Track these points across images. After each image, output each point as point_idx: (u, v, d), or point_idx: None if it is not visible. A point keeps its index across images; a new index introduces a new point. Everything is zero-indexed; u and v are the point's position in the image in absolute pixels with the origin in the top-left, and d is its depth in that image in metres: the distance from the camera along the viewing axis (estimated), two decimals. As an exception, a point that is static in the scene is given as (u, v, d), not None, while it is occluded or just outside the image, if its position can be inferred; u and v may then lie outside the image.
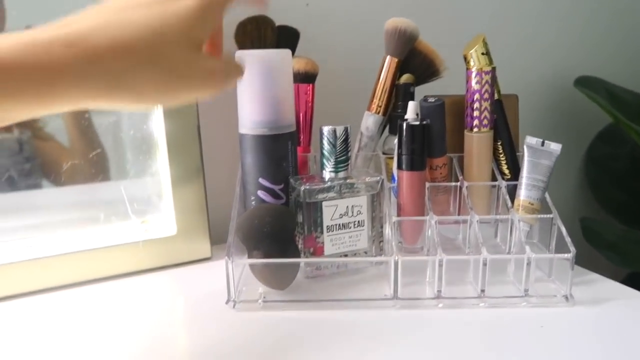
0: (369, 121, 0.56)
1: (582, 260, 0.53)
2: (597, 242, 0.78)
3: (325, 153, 0.49)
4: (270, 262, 0.45)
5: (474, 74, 0.50)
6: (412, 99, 0.54)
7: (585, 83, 0.83)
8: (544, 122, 0.87)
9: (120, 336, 0.41)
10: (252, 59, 0.48)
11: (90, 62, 0.28)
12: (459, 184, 0.51)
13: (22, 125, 0.50)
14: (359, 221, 0.50)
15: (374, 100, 0.56)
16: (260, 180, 0.50)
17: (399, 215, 0.50)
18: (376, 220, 0.51)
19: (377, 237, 0.52)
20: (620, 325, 0.42)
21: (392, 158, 0.54)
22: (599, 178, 0.93)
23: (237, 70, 0.37)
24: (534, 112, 0.85)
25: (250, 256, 0.46)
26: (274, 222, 0.47)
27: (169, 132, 0.53)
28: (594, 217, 0.91)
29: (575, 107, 0.89)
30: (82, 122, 0.53)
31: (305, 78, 0.56)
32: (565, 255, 0.45)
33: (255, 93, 0.49)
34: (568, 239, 0.46)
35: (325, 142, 0.49)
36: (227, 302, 0.45)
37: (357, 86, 0.60)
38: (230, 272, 0.45)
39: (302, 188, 0.48)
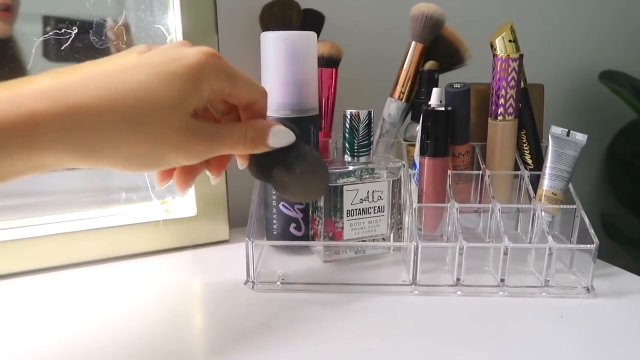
0: (392, 108, 0.56)
1: (603, 256, 0.52)
2: (618, 237, 0.77)
3: (348, 137, 0.49)
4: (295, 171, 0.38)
5: (501, 61, 0.49)
6: (436, 86, 0.53)
7: (610, 77, 0.82)
8: (567, 116, 0.86)
9: (140, 314, 0.42)
10: (277, 41, 0.48)
11: (74, 120, 0.28)
12: (481, 172, 0.51)
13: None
14: (379, 207, 0.50)
15: (398, 87, 0.56)
16: (282, 163, 0.50)
17: (419, 202, 0.50)
18: (396, 207, 0.51)
19: (397, 224, 0.51)
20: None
21: (413, 145, 0.54)
22: (620, 175, 0.92)
23: (258, 139, 0.36)
24: (557, 105, 0.84)
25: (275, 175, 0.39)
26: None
27: (191, 113, 0.53)
28: (617, 213, 0.90)
29: (598, 102, 0.88)
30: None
31: (329, 63, 0.56)
32: (588, 246, 0.44)
33: (280, 75, 0.49)
34: (591, 231, 0.45)
35: (348, 126, 0.49)
36: (246, 283, 0.46)
37: (380, 72, 0.60)
38: (251, 252, 0.45)
39: (324, 172, 0.48)
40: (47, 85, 0.28)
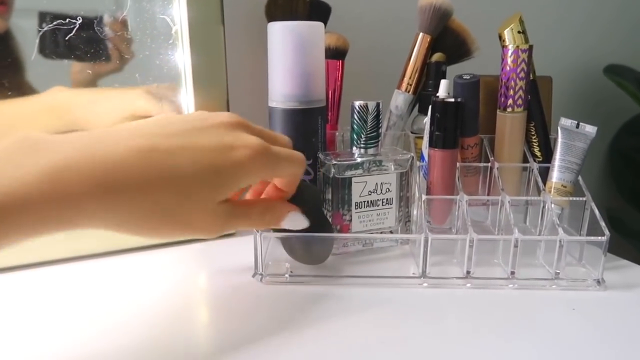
0: (399, 100, 0.55)
1: (610, 250, 0.52)
2: (624, 231, 0.77)
3: (356, 128, 0.48)
4: (302, 236, 0.45)
5: (510, 52, 0.49)
6: (444, 78, 0.53)
7: (615, 71, 0.82)
8: (571, 109, 0.85)
9: (146, 307, 0.41)
10: (284, 31, 0.48)
11: (114, 203, 0.28)
12: (489, 164, 0.51)
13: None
14: (387, 199, 0.49)
15: (405, 79, 0.55)
16: (289, 155, 0.50)
17: (428, 194, 0.49)
18: (404, 200, 0.50)
19: (404, 217, 0.51)
20: (654, 310, 0.41)
21: (421, 137, 0.53)
22: (622, 169, 0.92)
23: (274, 222, 0.39)
24: (561, 98, 0.84)
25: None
26: (308, 198, 0.46)
27: (198, 105, 0.52)
28: (622, 207, 0.90)
29: (602, 96, 0.88)
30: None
31: (335, 54, 0.55)
32: (599, 238, 0.44)
33: (287, 66, 0.48)
34: (602, 222, 0.45)
35: (356, 117, 0.48)
36: (254, 276, 0.45)
37: (386, 64, 0.59)
38: (259, 245, 0.45)
39: (333, 163, 0.47)
40: (88, 169, 0.28)
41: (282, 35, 0.48)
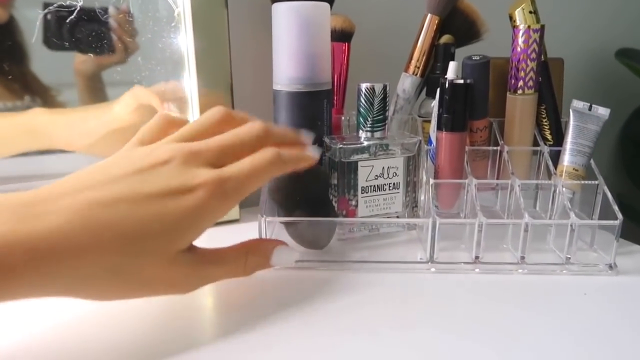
0: (406, 83, 0.54)
1: (621, 236, 0.51)
2: (636, 217, 0.76)
3: (362, 111, 0.47)
4: (306, 220, 0.44)
5: (521, 32, 0.48)
6: (453, 60, 0.52)
7: (627, 54, 0.80)
8: (582, 94, 0.84)
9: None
10: (289, 12, 0.47)
11: (50, 270, 0.26)
12: (499, 148, 0.49)
13: (34, 92, 0.49)
14: (394, 183, 0.48)
15: (412, 61, 0.54)
16: (294, 139, 0.49)
17: (436, 178, 0.48)
18: (411, 185, 0.50)
19: (411, 202, 0.50)
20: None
21: (428, 121, 0.52)
22: (633, 155, 0.90)
23: (260, 265, 0.36)
24: (572, 82, 0.82)
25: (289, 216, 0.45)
26: (312, 182, 0.45)
27: (201, 89, 0.51)
28: (633, 193, 0.88)
29: (613, 81, 0.86)
30: (97, 93, 0.52)
31: (341, 36, 0.54)
32: (612, 222, 0.43)
33: (292, 47, 0.47)
34: (615, 206, 0.44)
35: (362, 99, 0.47)
36: (260, 260, 0.45)
37: (393, 47, 0.58)
38: (264, 229, 0.44)
39: (339, 147, 0.46)
40: (18, 241, 0.25)
41: (287, 17, 0.47)
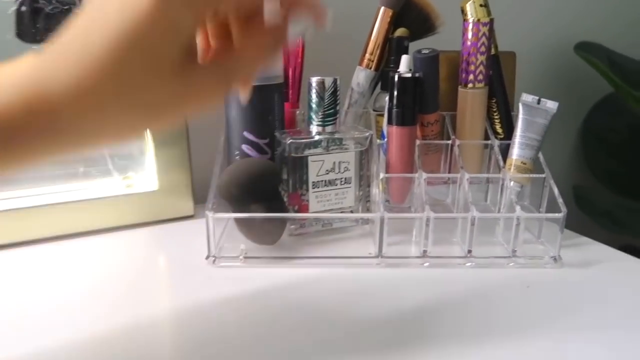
0: (360, 76, 0.54)
1: (574, 228, 0.52)
2: (590, 209, 0.77)
3: (313, 106, 0.47)
4: (254, 217, 0.44)
5: (470, 26, 0.48)
6: (406, 54, 0.51)
7: (586, 48, 0.81)
8: (543, 88, 0.85)
9: (99, 290, 0.40)
10: (237, 4, 0.46)
11: (52, 121, 0.23)
12: (450, 142, 0.50)
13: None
14: (345, 178, 0.48)
15: (366, 55, 0.54)
16: (245, 133, 0.48)
17: (387, 172, 0.48)
18: (364, 179, 0.49)
19: (364, 196, 0.50)
20: (607, 287, 0.41)
21: (382, 115, 0.52)
22: (594, 148, 0.92)
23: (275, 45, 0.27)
24: (533, 77, 0.83)
25: (238, 212, 0.45)
26: (260, 176, 0.45)
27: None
28: (588, 185, 0.90)
29: (575, 75, 0.87)
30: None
31: (294, 29, 0.53)
32: (556, 215, 0.43)
33: (240, 41, 0.46)
34: (560, 200, 0.44)
35: (313, 94, 0.47)
36: (207, 258, 0.44)
37: (352, 40, 0.57)
38: (211, 226, 0.43)
39: (288, 141, 0.46)
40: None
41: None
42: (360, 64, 0.54)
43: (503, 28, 0.55)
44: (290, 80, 0.54)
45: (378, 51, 0.53)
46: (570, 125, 0.91)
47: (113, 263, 0.45)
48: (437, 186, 0.55)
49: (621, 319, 0.36)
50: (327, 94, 0.46)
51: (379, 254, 0.44)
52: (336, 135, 0.47)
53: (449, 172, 0.51)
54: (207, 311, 0.37)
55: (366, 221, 0.51)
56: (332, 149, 0.47)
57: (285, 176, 0.47)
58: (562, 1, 0.82)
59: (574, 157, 0.93)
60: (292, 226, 0.48)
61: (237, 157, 0.49)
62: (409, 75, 0.45)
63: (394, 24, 0.54)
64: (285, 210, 0.46)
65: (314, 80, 0.46)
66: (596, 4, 0.85)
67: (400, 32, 0.54)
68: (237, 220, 0.45)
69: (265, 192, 0.44)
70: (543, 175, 0.47)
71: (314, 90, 0.47)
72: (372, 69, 0.53)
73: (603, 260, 0.45)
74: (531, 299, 0.39)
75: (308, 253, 0.45)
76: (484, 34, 0.47)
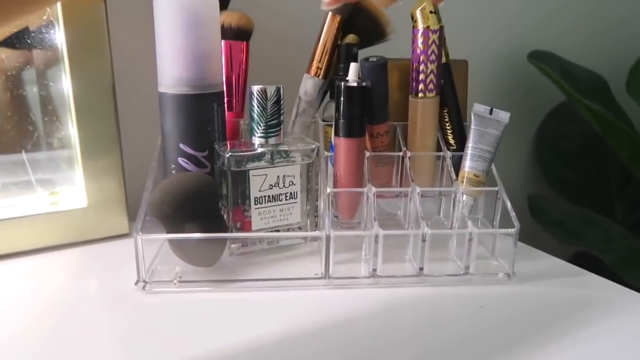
0: (308, 85, 0.51)
1: (531, 239, 0.50)
2: (544, 219, 0.77)
3: (255, 116, 0.44)
4: (187, 238, 0.40)
5: (420, 33, 0.46)
6: (356, 61, 0.49)
7: (539, 57, 0.81)
8: (497, 97, 0.84)
9: (16, 320, 0.36)
10: (172, 5, 0.42)
11: None
12: (401, 154, 0.47)
13: None
14: (291, 193, 0.45)
15: (314, 62, 0.51)
16: (181, 146, 0.45)
17: (335, 186, 0.46)
18: (311, 193, 0.47)
19: (312, 212, 0.47)
20: (560, 303, 0.39)
21: (331, 126, 0.49)
22: (549, 156, 0.92)
23: None
24: (487, 86, 0.83)
25: (173, 232, 0.41)
26: (196, 192, 0.41)
27: (78, 90, 0.46)
28: (542, 195, 0.90)
29: (528, 83, 0.87)
30: None
31: (238, 34, 0.50)
32: (509, 230, 0.42)
33: (176, 45, 0.43)
34: (512, 214, 0.43)
35: (255, 103, 0.44)
36: (136, 283, 0.40)
37: (298, 46, 0.55)
38: (140, 248, 0.39)
39: (227, 155, 0.42)
40: None
41: (169, 11, 0.42)
42: (308, 71, 0.51)
43: (456, 36, 0.54)
44: (235, 88, 0.51)
45: (326, 58, 0.51)
46: (525, 134, 0.91)
47: (26, 291, 0.40)
48: (391, 200, 0.52)
49: (575, 334, 0.35)
50: (269, 104, 0.43)
51: (326, 275, 0.41)
52: (280, 147, 0.44)
53: (400, 185, 0.49)
54: (130, 343, 0.33)
55: (315, 238, 0.48)
56: (278, 162, 0.44)
57: (225, 192, 0.43)
58: (516, 10, 0.82)
59: (530, 166, 0.93)
60: (234, 245, 0.45)
61: (174, 171, 0.45)
62: (355, 84, 0.43)
63: (343, 30, 0.51)
64: (225, 229, 0.43)
65: (255, 88, 0.43)
66: (550, 13, 0.85)
67: (349, 38, 0.51)
68: (170, 241, 0.41)
69: (201, 209, 0.41)
70: (496, 189, 0.45)
71: (255, 100, 0.43)
72: (321, 77, 0.51)
73: (558, 275, 0.44)
74: (484, 319, 0.37)
75: (250, 275, 0.42)
76: (433, 41, 0.45)
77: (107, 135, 0.48)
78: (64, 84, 0.47)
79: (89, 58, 0.46)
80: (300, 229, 0.47)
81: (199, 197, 0.41)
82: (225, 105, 0.50)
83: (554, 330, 0.35)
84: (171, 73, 0.44)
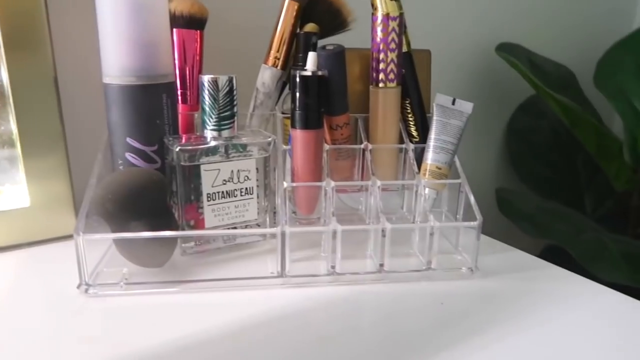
0: (266, 75, 0.49)
1: (499, 233, 0.49)
2: (513, 213, 0.76)
3: (206, 108, 0.42)
4: (133, 237, 0.38)
5: (379, 20, 0.44)
6: (314, 51, 0.47)
7: (507, 49, 0.81)
8: (465, 91, 0.83)
9: None
10: (113, -9, 0.40)
11: None
12: (362, 146, 0.46)
13: None
14: (247, 188, 0.43)
15: (272, 52, 0.49)
16: (129, 140, 0.42)
17: (293, 181, 0.44)
18: (269, 188, 0.45)
19: (271, 207, 0.45)
20: (522, 296, 0.38)
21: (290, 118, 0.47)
22: (519, 150, 0.92)
23: None
24: (454, 78, 0.82)
25: (119, 231, 0.38)
26: (142, 189, 0.39)
27: (15, 82, 0.43)
28: (513, 189, 0.90)
29: (497, 76, 0.87)
30: None
31: (190, 23, 0.48)
32: (471, 223, 0.40)
33: (120, 31, 0.40)
34: (475, 207, 0.41)
35: (206, 94, 0.41)
36: (78, 287, 0.37)
37: (256, 35, 0.52)
38: (81, 248, 0.37)
39: (177, 149, 0.40)
40: None
41: (112, -4, 0.40)
42: (266, 62, 0.49)
43: (423, 27, 0.52)
44: (189, 79, 0.49)
45: (284, 48, 0.49)
46: (495, 127, 0.90)
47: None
48: (354, 194, 0.50)
49: (537, 328, 0.33)
50: (221, 95, 0.41)
51: (282, 273, 0.39)
52: (234, 141, 0.42)
53: (362, 178, 0.47)
54: (64, 352, 0.31)
55: (273, 235, 0.46)
56: (233, 156, 0.42)
57: (175, 188, 0.41)
58: (486, 2, 0.81)
59: (500, 159, 0.92)
60: (187, 244, 0.43)
61: (121, 167, 0.43)
62: (311, 73, 0.41)
63: (302, 18, 0.49)
64: (175, 227, 0.40)
65: (206, 78, 0.41)
66: (518, 5, 0.85)
67: (309, 27, 0.49)
68: (116, 241, 0.39)
69: (147, 206, 0.38)
70: (459, 181, 0.44)
71: (206, 90, 0.41)
72: (279, 67, 0.49)
73: (522, 268, 0.43)
74: (446, 315, 0.35)
75: (202, 275, 0.40)
76: (393, 29, 0.44)
77: (50, 131, 0.45)
78: (2, 77, 0.44)
79: (28, 49, 0.43)
80: (258, 225, 0.45)
81: (145, 194, 0.39)
82: (180, 97, 0.48)
83: (512, 325, 0.34)
84: (115, 62, 0.41)
